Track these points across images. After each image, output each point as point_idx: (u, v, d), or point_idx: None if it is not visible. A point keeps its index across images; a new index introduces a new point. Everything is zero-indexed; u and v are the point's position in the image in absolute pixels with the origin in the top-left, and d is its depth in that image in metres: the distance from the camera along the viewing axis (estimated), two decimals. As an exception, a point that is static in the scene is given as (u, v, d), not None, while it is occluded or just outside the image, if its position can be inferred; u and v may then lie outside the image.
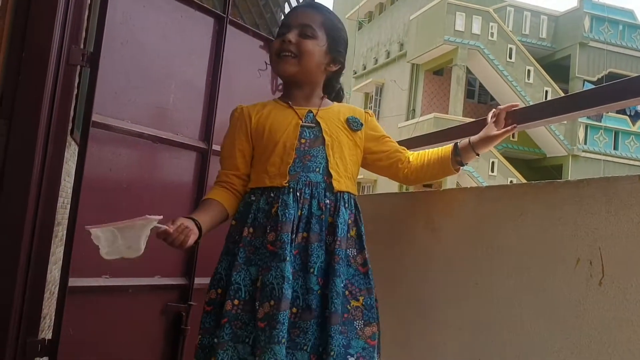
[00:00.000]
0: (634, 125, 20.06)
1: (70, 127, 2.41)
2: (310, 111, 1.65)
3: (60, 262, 2.04)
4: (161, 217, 1.44)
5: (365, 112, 1.77)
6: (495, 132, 1.64)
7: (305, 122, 1.63)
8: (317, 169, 1.58)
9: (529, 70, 19.42)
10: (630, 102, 1.51)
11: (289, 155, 1.58)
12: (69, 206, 2.03)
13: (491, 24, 19.11)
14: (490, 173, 17.73)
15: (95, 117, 2.01)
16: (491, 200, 1.65)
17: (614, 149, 19.77)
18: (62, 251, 2.02)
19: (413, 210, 1.95)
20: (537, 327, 1.43)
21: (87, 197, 2.01)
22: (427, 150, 1.76)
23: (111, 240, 1.43)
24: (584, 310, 1.31)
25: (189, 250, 2.40)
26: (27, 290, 1.88)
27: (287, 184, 1.55)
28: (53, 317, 2.03)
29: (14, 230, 1.77)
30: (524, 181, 17.30)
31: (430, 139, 2.14)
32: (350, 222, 1.59)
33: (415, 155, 1.74)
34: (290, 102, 1.67)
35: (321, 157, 1.60)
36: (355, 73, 24.69)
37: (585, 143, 19.38)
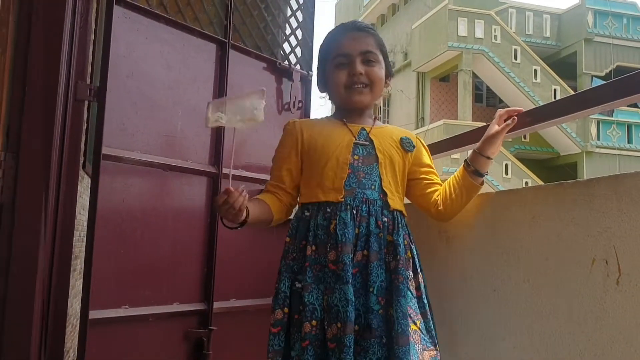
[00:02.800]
0: (646, 117, 19.88)
1: (82, 161, 2.44)
2: (363, 128, 1.67)
3: (80, 295, 2.06)
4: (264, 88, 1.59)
5: (417, 137, 1.76)
6: (496, 128, 1.63)
7: (358, 140, 1.64)
8: (373, 186, 1.59)
9: (535, 70, 19.34)
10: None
11: (342, 170, 1.58)
12: (85, 239, 2.05)
13: (494, 26, 19.10)
14: (504, 175, 17.62)
15: (105, 150, 2.04)
16: (503, 206, 1.65)
17: (628, 142, 19.57)
18: (81, 284, 2.04)
19: (427, 221, 1.95)
20: (558, 331, 1.42)
21: (102, 229, 2.03)
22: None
23: (233, 110, 1.52)
24: (603, 311, 1.30)
25: (206, 272, 2.42)
26: (49, 325, 1.90)
27: (343, 199, 1.55)
28: (76, 350, 2.05)
29: (28, 265, 1.79)
30: (539, 182, 17.23)
31: (446, 145, 2.18)
32: (405, 242, 1.59)
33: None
34: (344, 120, 1.68)
35: (375, 175, 1.61)
36: (362, 85, 24.71)
37: (598, 139, 19.20)
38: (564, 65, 20.28)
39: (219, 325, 2.43)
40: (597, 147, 19.05)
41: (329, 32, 1.73)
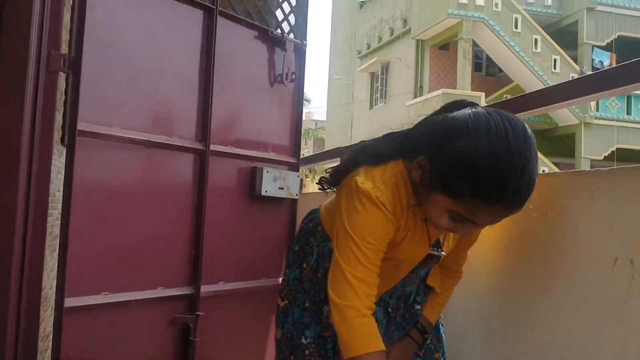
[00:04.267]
0: (646, 88, 19.63)
1: (60, 136, 2.29)
2: (438, 239, 1.41)
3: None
4: None
5: None
6: None
7: (433, 251, 1.41)
8: None
9: (535, 39, 19.02)
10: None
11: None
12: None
13: (495, -6, 18.74)
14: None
15: (82, 125, 1.88)
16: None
17: (627, 114, 19.39)
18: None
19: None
20: (574, 336, 1.29)
21: (80, 208, 1.89)
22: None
23: None
24: (627, 316, 1.17)
25: (192, 254, 2.29)
26: (22, 307, 1.77)
27: None
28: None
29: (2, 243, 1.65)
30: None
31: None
32: None
33: None
34: (426, 219, 1.33)
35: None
36: (360, 53, 24.39)
37: (597, 110, 19.00)
38: (564, 35, 19.96)
39: (207, 310, 2.30)
40: (595, 118, 18.86)
41: (500, 167, 1.11)
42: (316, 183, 1.46)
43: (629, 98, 19.43)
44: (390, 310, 1.48)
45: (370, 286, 1.23)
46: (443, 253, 1.41)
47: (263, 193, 2.48)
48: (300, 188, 2.86)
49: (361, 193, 1.22)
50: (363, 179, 1.24)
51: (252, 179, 2.51)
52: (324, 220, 1.48)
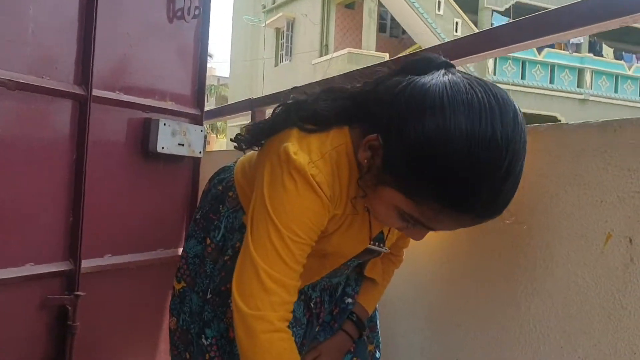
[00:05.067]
0: (539, 54, 20.40)
1: None
2: (382, 232, 1.13)
3: None
4: None
5: None
6: None
7: (374, 246, 1.12)
8: None
9: (439, 2, 19.18)
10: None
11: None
12: None
13: (400, -47, 18.62)
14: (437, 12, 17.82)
15: None
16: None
17: (522, 78, 20.12)
18: None
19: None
20: (546, 332, 1.06)
21: None
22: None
23: None
24: (620, 308, 0.93)
25: (71, 222, 1.89)
26: None
27: None
28: None
29: None
30: (469, 22, 17.56)
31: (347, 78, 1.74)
32: None
33: None
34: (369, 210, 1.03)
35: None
36: (265, 7, 23.64)
37: (494, 74, 19.55)
38: (467, -2, 20.29)
39: (89, 290, 1.92)
40: (493, 82, 19.38)
41: (479, 166, 0.79)
42: (231, 140, 1.11)
43: (523, 63, 20.15)
44: (312, 305, 1.17)
45: (289, 291, 0.92)
46: (385, 249, 1.12)
47: (159, 150, 2.09)
48: (205, 145, 2.49)
49: (293, 167, 0.89)
50: (296, 148, 0.91)
51: (145, 132, 2.11)
52: (238, 185, 1.15)
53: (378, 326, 1.33)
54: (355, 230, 1.02)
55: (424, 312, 1.40)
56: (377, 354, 1.32)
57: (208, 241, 1.15)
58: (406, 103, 0.82)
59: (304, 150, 0.91)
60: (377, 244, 1.08)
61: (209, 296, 1.12)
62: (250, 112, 2.81)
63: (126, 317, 2.10)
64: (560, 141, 1.04)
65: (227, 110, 3.25)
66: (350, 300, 1.23)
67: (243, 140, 1.06)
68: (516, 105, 0.82)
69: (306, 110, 0.95)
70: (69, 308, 1.86)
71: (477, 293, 1.23)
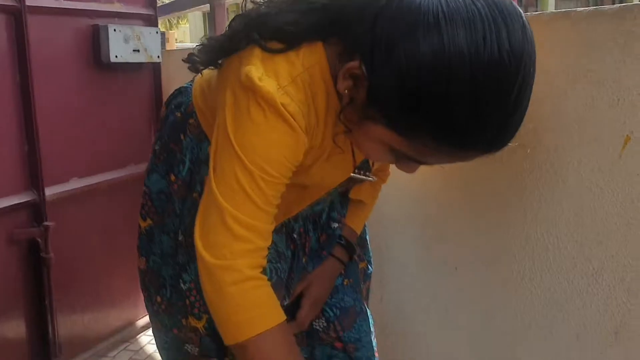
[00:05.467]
0: None
1: None
2: (367, 160, 0.99)
3: None
4: None
5: None
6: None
7: (358, 174, 0.98)
8: None
9: None
10: None
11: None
12: None
13: None
14: None
15: None
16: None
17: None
18: None
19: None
20: (556, 241, 0.98)
21: None
22: None
23: None
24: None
25: (27, 150, 1.74)
26: None
27: None
28: None
29: None
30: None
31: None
32: None
33: None
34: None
35: None
36: None
37: None
38: None
39: (58, 218, 1.80)
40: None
41: (484, 98, 0.64)
42: (184, 61, 0.93)
43: None
44: (296, 236, 1.06)
45: (262, 236, 0.79)
46: (372, 178, 0.99)
47: (112, 59, 1.90)
48: (163, 45, 2.29)
49: (260, 96, 0.74)
50: (261, 72, 0.74)
51: (95, 42, 1.90)
52: (198, 111, 1.00)
53: (368, 242, 1.25)
54: (336, 160, 0.90)
55: (420, 221, 1.31)
56: (370, 269, 1.25)
57: (173, 177, 1.02)
58: (393, 21, 0.66)
59: (270, 75, 0.76)
60: (362, 172, 0.96)
61: (180, 238, 1.00)
62: (208, 5, 2.57)
63: (103, 242, 2.00)
64: (569, 31, 0.91)
65: (181, 4, 2.99)
66: (337, 225, 1.12)
67: (198, 61, 0.90)
68: (524, 16, 0.67)
69: (269, 25, 0.78)
70: (39, 240, 1.75)
71: (478, 199, 1.14)
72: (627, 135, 0.85)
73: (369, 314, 1.22)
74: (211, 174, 0.79)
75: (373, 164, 1.00)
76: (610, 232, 0.89)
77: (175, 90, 1.09)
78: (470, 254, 1.18)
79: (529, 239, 1.04)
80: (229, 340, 0.78)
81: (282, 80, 0.76)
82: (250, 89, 0.75)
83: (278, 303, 0.81)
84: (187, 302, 1.01)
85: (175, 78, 1.99)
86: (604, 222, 0.90)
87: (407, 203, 1.33)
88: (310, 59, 0.79)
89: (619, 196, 0.87)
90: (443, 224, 1.25)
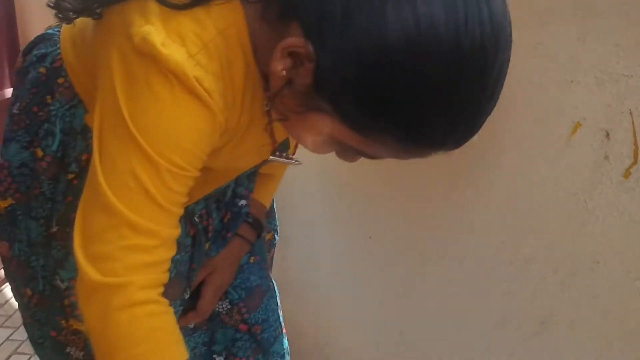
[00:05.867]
0: None
1: None
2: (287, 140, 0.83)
3: None
4: None
5: None
6: None
7: (277, 157, 0.81)
8: None
9: None
10: None
11: None
12: None
13: None
14: None
15: None
16: None
17: None
18: None
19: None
20: (484, 225, 0.91)
21: None
22: None
23: None
24: (585, 212, 0.78)
25: None
26: None
27: None
28: None
29: None
30: None
31: None
32: None
33: None
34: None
35: None
36: None
37: None
38: None
39: None
40: None
41: (457, 88, 0.51)
42: (49, 6, 0.69)
43: None
44: (197, 219, 0.89)
45: (166, 244, 0.62)
46: (295, 161, 0.83)
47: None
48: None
49: (166, 68, 0.54)
50: (163, 36, 0.54)
51: None
52: (69, 68, 0.77)
53: (275, 209, 1.11)
54: (251, 141, 0.73)
55: (333, 187, 1.19)
56: (276, 239, 1.13)
57: (40, 152, 0.80)
58: None
59: (174, 39, 0.56)
60: (282, 153, 0.81)
61: (54, 229, 0.80)
62: None
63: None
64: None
65: None
66: (244, 202, 0.97)
67: (70, 8, 0.67)
68: None
69: None
70: None
71: (400, 172, 1.04)
72: (578, 122, 0.76)
73: (275, 287, 1.11)
74: (96, 162, 0.60)
75: (297, 145, 0.85)
76: (548, 223, 0.83)
77: (37, 37, 0.84)
78: (386, 225, 1.09)
79: (452, 218, 0.96)
80: None
81: (191, 46, 0.57)
82: (151, 57, 0.56)
83: (180, 337, 0.65)
84: (67, 302, 0.84)
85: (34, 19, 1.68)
86: (541, 211, 0.83)
87: (319, 168, 1.21)
88: (224, 19, 0.60)
89: (562, 186, 0.80)
90: (358, 192, 1.14)
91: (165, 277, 0.64)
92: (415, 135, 0.53)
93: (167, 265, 0.64)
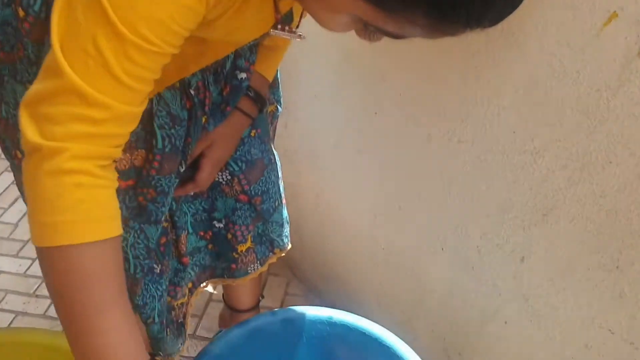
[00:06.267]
0: None
1: None
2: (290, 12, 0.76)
3: None
4: None
5: None
6: None
7: (278, 31, 0.75)
8: None
9: None
10: None
11: None
12: None
13: None
14: None
15: None
16: None
17: None
18: None
19: None
20: (497, 110, 0.86)
21: None
22: None
23: None
24: (605, 110, 0.73)
25: None
26: None
27: None
28: None
29: None
30: None
31: None
32: None
33: None
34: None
35: None
36: None
37: None
38: None
39: None
40: None
41: None
42: None
43: None
44: (192, 92, 0.84)
45: (119, 120, 0.57)
46: (298, 35, 0.75)
47: None
48: None
49: None
50: None
51: None
52: None
53: (279, 81, 1.06)
54: (251, 12, 0.67)
55: (339, 54, 1.13)
56: (279, 110, 1.09)
57: (22, 12, 0.74)
58: None
59: None
60: (285, 27, 0.74)
61: None
62: None
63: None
64: None
65: None
66: (244, 75, 0.91)
67: None
68: None
69: None
70: None
71: (411, 44, 0.97)
72: (615, 12, 0.69)
73: (276, 160, 1.09)
74: (55, 16, 0.54)
75: (301, 16, 0.77)
76: (563, 117, 0.78)
77: None
78: (392, 100, 1.04)
79: (465, 100, 0.91)
80: (34, 240, 0.58)
81: None
82: None
83: (116, 213, 0.61)
84: None
85: None
86: (558, 103, 0.78)
87: (326, 38, 1.13)
88: None
89: (585, 80, 0.74)
90: (364, 61, 1.08)
91: (114, 151, 0.60)
92: (449, 9, 0.48)
93: (119, 140, 0.60)
